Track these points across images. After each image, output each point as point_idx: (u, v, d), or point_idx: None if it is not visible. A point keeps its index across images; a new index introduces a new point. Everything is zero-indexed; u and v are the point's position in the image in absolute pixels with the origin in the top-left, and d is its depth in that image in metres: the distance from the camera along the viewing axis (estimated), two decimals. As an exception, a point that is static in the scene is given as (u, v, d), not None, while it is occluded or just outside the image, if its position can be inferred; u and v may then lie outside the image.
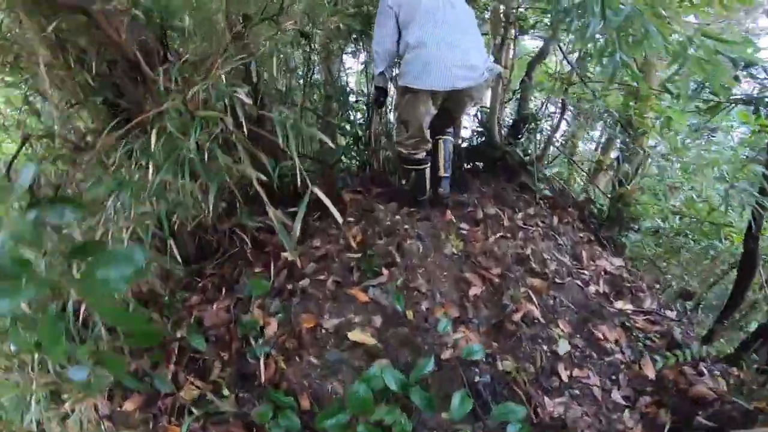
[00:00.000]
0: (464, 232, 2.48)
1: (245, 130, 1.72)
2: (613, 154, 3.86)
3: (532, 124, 3.70)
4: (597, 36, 1.83)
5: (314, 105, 3.58)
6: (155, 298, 2.47)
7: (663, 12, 1.75)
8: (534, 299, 2.24)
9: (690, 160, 2.92)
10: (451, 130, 2.85)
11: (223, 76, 1.80)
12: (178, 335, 2.24)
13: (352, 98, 3.71)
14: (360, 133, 3.63)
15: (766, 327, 2.26)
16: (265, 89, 2.70)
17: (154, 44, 1.95)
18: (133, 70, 1.89)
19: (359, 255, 2.34)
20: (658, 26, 1.66)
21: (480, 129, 3.82)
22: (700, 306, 3.11)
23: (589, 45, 2.14)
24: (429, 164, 2.76)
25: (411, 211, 2.64)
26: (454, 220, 2.58)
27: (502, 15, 3.47)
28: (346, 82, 3.90)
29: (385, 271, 2.23)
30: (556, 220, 2.92)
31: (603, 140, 4.49)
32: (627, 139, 3.22)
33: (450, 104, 2.59)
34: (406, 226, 2.40)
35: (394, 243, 2.32)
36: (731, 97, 2.57)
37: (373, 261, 2.25)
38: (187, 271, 2.66)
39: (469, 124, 4.33)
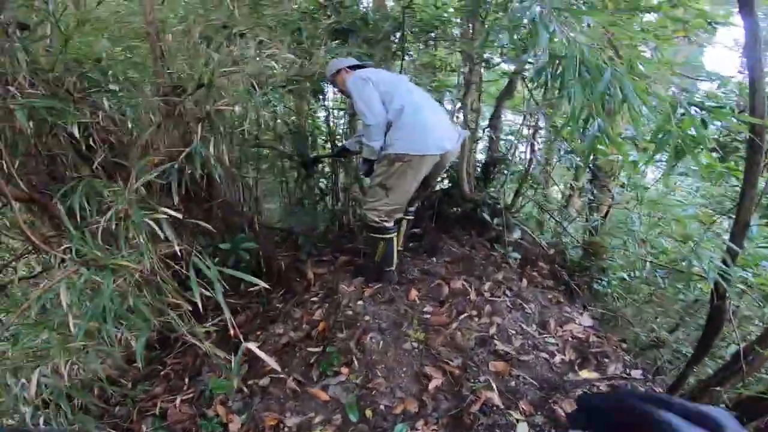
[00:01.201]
0: (427, 316, 2.45)
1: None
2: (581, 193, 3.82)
3: (503, 166, 3.66)
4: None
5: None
6: (119, 386, 2.47)
7: (642, 70, 1.64)
8: (495, 386, 2.22)
9: (656, 211, 2.89)
10: (413, 208, 2.83)
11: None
12: (144, 429, 2.24)
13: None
14: (325, 188, 3.60)
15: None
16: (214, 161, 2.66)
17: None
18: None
19: (320, 348, 2.32)
20: (637, 90, 1.54)
21: (452, 174, 3.78)
22: (672, 351, 3.10)
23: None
24: (395, 233, 2.73)
25: (375, 292, 2.61)
26: (418, 301, 2.55)
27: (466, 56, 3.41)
28: (311, 131, 3.83)
29: (345, 369, 2.21)
30: (525, 282, 2.89)
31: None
32: (594, 186, 3.19)
33: (431, 172, 2.59)
34: (367, 318, 2.36)
35: (355, 337, 2.29)
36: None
37: (333, 358, 2.23)
38: (149, 358, 2.66)
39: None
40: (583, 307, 2.97)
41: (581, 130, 1.76)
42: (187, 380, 2.45)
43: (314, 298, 2.67)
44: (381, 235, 2.68)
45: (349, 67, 2.66)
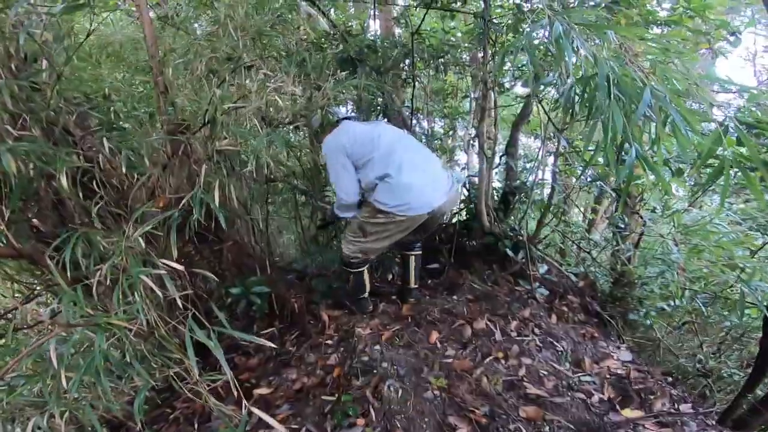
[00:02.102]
0: (449, 360, 2.26)
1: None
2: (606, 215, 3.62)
3: (523, 195, 3.50)
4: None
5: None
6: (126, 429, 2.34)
7: (678, 87, 1.46)
8: (527, 433, 2.01)
9: (694, 236, 2.68)
10: (418, 244, 2.69)
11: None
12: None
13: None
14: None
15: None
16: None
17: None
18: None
19: (335, 396, 2.15)
20: (682, 110, 1.37)
21: (470, 205, 3.63)
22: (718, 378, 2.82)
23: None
24: (365, 268, 2.67)
25: (393, 335, 2.44)
26: (439, 345, 2.37)
27: (480, 80, 3.31)
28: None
29: (361, 420, 2.03)
30: (554, 318, 2.69)
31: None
32: (623, 214, 3.00)
33: (426, 222, 2.47)
34: (385, 364, 2.19)
35: (372, 384, 2.12)
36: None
37: (348, 408, 2.06)
38: (159, 399, 2.54)
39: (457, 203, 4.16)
40: (619, 340, 2.75)
41: (616, 157, 1.61)
42: (196, 425, 2.30)
43: (329, 341, 2.52)
44: (350, 269, 2.65)
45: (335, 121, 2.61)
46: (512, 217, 3.54)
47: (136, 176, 1.84)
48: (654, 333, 2.76)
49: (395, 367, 2.22)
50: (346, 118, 2.60)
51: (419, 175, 2.35)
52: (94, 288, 1.39)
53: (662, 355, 2.79)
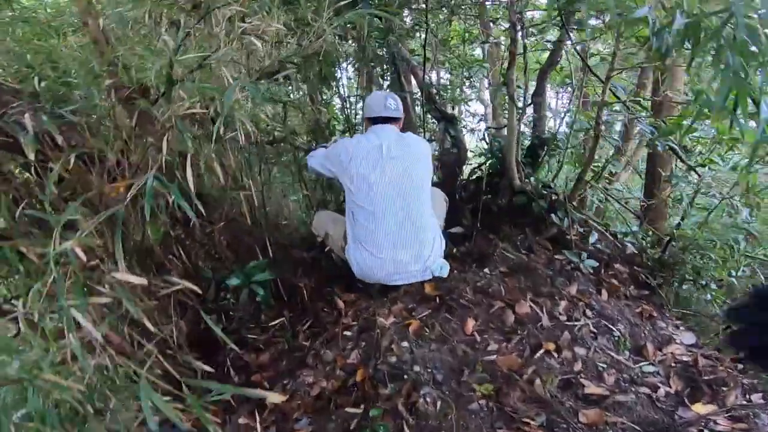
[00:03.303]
0: (492, 357, 1.90)
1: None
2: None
3: (552, 146, 3.03)
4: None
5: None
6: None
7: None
8: (590, 443, 1.70)
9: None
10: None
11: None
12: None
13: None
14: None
15: None
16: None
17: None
18: None
19: (361, 409, 1.81)
20: None
21: (492, 160, 3.17)
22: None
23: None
24: None
25: (421, 325, 2.07)
26: (478, 337, 2.00)
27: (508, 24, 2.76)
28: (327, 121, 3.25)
29: (394, 438, 1.70)
30: (605, 294, 2.32)
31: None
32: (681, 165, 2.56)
33: None
34: (417, 368, 1.83)
35: (403, 393, 1.77)
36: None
37: (378, 426, 1.71)
38: None
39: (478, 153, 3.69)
40: (677, 319, 2.40)
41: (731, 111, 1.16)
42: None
43: (347, 332, 2.15)
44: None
45: (368, 118, 2.37)
46: (542, 173, 3.10)
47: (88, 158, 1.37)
48: (714, 308, 2.42)
49: (429, 369, 1.86)
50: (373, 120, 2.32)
51: (398, 258, 2.18)
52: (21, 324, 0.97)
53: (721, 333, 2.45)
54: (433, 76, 4.14)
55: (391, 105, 2.30)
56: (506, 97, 3.10)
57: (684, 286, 2.55)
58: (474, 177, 3.35)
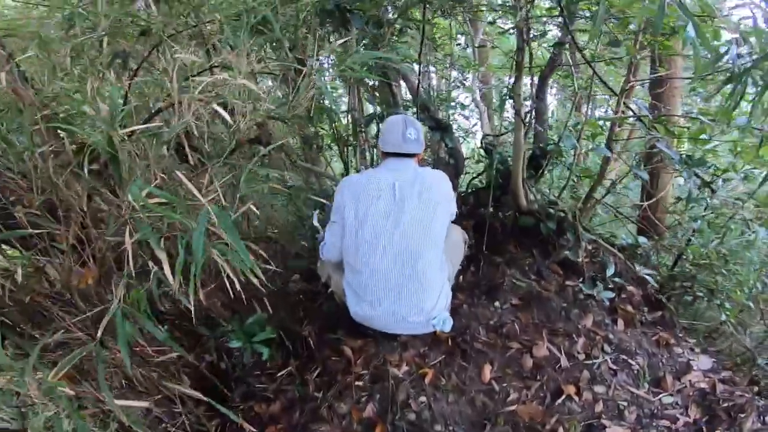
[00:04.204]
0: (513, 407, 1.82)
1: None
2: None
3: (558, 159, 2.92)
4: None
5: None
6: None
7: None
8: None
9: None
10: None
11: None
12: None
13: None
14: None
15: None
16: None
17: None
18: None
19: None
20: None
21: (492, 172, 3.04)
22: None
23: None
24: None
25: (436, 374, 1.97)
26: (496, 386, 1.92)
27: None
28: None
29: None
30: (621, 324, 2.25)
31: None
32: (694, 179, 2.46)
33: None
34: (438, 427, 1.74)
35: (425, 459, 1.68)
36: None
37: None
38: None
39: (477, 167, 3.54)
40: (688, 336, 2.35)
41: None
42: None
43: (359, 383, 2.04)
44: None
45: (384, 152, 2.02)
46: (547, 187, 3.00)
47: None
48: (728, 327, 2.36)
49: (450, 426, 1.77)
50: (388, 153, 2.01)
51: (397, 311, 1.88)
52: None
53: (732, 349, 2.41)
54: (426, 80, 3.93)
55: (411, 135, 1.92)
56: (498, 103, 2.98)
57: (698, 305, 2.50)
58: (473, 190, 3.23)
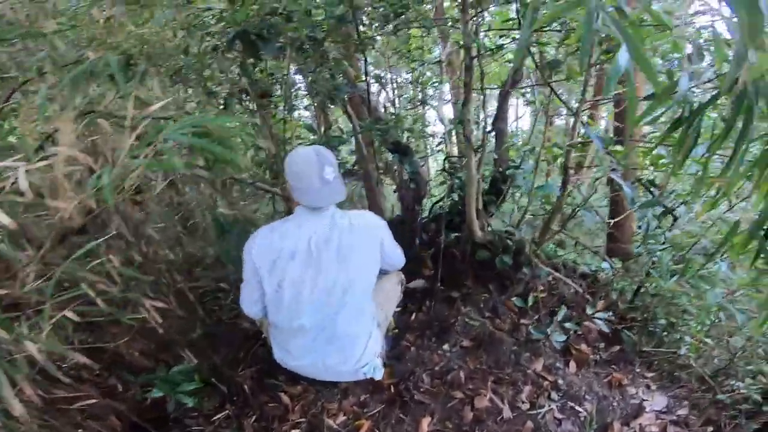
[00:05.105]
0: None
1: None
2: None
3: (517, 184, 2.83)
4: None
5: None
6: None
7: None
8: None
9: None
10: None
11: None
12: None
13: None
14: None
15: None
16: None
17: None
18: None
19: None
20: None
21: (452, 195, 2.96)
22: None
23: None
24: None
25: (373, 426, 1.89)
26: (433, 445, 1.83)
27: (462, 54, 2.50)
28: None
29: None
30: (573, 366, 2.17)
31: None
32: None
33: None
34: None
35: None
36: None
37: None
38: None
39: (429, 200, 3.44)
40: (651, 376, 2.26)
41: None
42: None
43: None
44: None
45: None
46: (502, 210, 2.91)
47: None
48: (688, 360, 2.28)
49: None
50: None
51: (325, 362, 1.78)
52: None
53: (693, 383, 2.32)
54: (391, 94, 3.82)
55: (328, 176, 1.59)
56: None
57: (657, 338, 2.42)
58: (435, 215, 3.14)
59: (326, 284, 1.62)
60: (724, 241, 1.35)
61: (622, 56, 0.89)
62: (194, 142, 1.23)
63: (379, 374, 1.82)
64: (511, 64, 3.00)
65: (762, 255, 1.08)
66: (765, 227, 1.05)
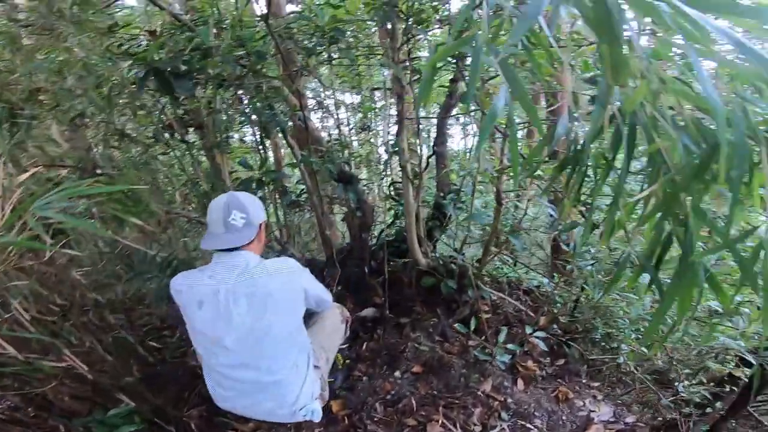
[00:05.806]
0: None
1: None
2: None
3: (459, 207, 2.91)
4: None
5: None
6: None
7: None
8: None
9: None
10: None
11: None
12: None
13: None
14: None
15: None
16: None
17: None
18: None
19: None
20: None
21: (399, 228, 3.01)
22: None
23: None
24: None
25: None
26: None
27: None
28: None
29: None
30: (521, 384, 2.22)
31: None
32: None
33: None
34: None
35: None
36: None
37: None
38: None
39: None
40: (597, 386, 2.35)
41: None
42: None
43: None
44: None
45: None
46: (445, 234, 2.98)
47: None
48: (629, 367, 2.39)
49: None
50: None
51: (261, 408, 1.67)
52: None
53: (637, 390, 2.43)
54: (333, 122, 3.86)
55: (236, 222, 1.52)
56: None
57: (599, 348, 2.53)
58: (383, 242, 3.16)
59: (239, 334, 1.52)
60: (616, 278, 1.37)
61: (501, 97, 0.83)
62: (61, 219, 1.21)
63: (317, 417, 1.71)
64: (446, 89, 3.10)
65: (653, 285, 1.11)
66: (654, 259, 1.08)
